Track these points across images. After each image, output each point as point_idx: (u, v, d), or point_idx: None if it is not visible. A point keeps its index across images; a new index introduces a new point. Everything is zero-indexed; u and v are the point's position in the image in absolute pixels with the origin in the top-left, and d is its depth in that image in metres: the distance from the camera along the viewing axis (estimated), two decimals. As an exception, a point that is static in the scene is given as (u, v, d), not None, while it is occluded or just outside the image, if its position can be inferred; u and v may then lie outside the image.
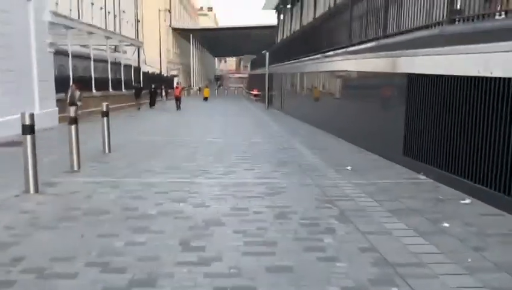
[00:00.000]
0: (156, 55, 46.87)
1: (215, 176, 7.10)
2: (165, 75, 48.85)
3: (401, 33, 8.43)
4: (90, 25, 20.58)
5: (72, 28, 17.66)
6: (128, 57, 31.09)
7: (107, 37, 22.77)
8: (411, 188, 6.40)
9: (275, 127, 15.68)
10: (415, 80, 7.60)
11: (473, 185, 5.83)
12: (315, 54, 16.16)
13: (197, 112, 24.68)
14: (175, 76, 52.35)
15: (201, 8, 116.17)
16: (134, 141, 11.42)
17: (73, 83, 15.02)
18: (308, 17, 26.19)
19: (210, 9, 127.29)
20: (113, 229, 4.43)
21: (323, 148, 10.22)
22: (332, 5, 17.54)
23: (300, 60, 19.12)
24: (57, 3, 26.27)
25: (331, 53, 13.82)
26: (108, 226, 4.53)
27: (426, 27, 7.43)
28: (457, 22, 6.49)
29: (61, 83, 16.64)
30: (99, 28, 21.84)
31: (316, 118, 15.61)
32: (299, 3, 30.10)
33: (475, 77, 5.75)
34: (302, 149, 10.18)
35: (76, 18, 22.78)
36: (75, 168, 7.40)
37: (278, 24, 42.24)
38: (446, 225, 4.67)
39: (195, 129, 14.74)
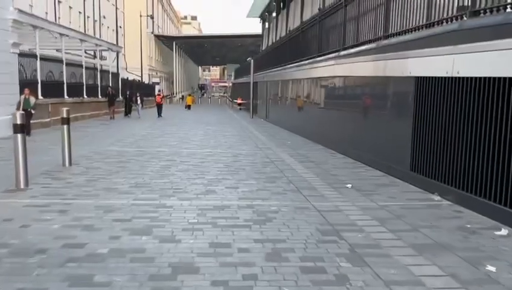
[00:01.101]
0: (138, 62, 45.48)
1: (191, 197, 5.88)
2: (147, 82, 47.37)
3: (407, 32, 7.40)
4: (61, 26, 19.14)
5: (40, 27, 16.24)
6: (107, 63, 29.65)
7: (82, 40, 21.36)
8: (428, 213, 5.29)
9: (260, 137, 14.52)
10: (424, 84, 6.55)
11: (506, 210, 4.76)
12: (303, 60, 15.13)
13: (178, 120, 23.39)
14: (157, 83, 50.88)
15: (186, 16, 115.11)
16: (102, 152, 10.10)
17: (26, 87, 13.42)
18: (294, 25, 25.29)
19: (194, 18, 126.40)
20: (42, 281, 3.18)
21: (316, 162, 9.09)
22: (321, 7, 16.57)
23: (287, 66, 18.09)
24: (31, 6, 24.84)
25: (321, 58, 12.80)
26: (36, 275, 3.27)
27: (438, 23, 6.40)
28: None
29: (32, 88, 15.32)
30: (72, 29, 20.39)
31: (304, 127, 14.52)
32: (285, 11, 29.23)
33: (510, 78, 4.71)
34: (292, 162, 9.03)
35: (49, 19, 21.39)
36: (21, 185, 6.10)
37: (263, 32, 41.41)
38: (491, 268, 3.56)
39: (174, 139, 13.47)
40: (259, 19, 41.71)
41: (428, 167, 6.43)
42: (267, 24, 38.68)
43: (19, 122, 6.02)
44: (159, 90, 37.43)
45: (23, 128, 6.10)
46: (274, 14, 33.50)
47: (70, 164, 8.02)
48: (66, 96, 18.95)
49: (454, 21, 5.93)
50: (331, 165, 8.69)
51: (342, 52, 10.75)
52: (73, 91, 20.34)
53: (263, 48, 37.61)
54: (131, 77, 39.09)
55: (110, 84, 26.28)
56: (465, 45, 5.38)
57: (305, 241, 4.12)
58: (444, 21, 6.21)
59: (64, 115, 7.98)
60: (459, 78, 5.56)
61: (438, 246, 4.08)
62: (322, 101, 12.84)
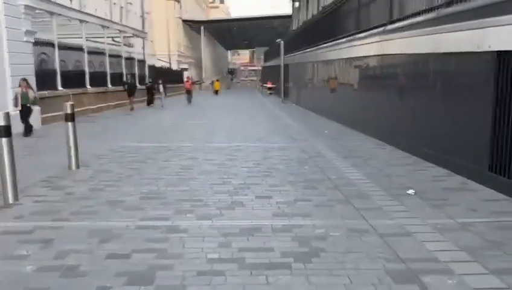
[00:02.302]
0: (167, 48, 44.64)
1: (213, 213, 4.66)
2: (175, 68, 46.50)
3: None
4: (80, 11, 18.14)
5: (58, 14, 15.31)
6: (135, 50, 28.68)
7: (103, 26, 20.39)
8: (533, 236, 3.88)
9: (293, 126, 13.18)
10: (509, 61, 5.05)
11: None
12: (340, 39, 13.58)
13: (205, 108, 22.27)
14: (185, 70, 50.01)
15: (213, 0, 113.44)
16: (117, 149, 9.03)
17: (22, 79, 11.20)
18: (327, 1, 23.54)
19: (222, 1, 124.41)
20: None
21: (362, 157, 7.71)
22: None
23: (321, 46, 16.53)
24: (55, -6, 24.12)
25: (361, 35, 11.25)
26: None
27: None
28: None
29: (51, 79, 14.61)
30: (92, 15, 19.39)
31: (342, 114, 13.05)
32: (316, -13, 27.41)
33: None
34: (335, 158, 7.68)
35: (73, 7, 20.50)
36: (10, 200, 5.06)
37: (293, 12, 39.64)
38: None
39: (198, 131, 12.29)
40: (289, -2, 39.89)
41: (517, 168, 4.97)
42: (297, 3, 36.84)
43: (2, 123, 4.94)
44: (188, 77, 36.43)
45: (8, 131, 5.02)
46: (304, -8, 31.67)
47: (77, 166, 6.96)
48: (88, 86, 18.10)
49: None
50: (382, 162, 7.29)
51: (389, 27, 9.21)
52: (99, 81, 19.48)
53: (293, 29, 35.89)
54: (159, 64, 38.22)
55: (137, 72, 25.35)
56: None
57: (372, 297, 2.83)
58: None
59: (68, 111, 6.87)
60: None
61: None
62: (363, 84, 11.33)
